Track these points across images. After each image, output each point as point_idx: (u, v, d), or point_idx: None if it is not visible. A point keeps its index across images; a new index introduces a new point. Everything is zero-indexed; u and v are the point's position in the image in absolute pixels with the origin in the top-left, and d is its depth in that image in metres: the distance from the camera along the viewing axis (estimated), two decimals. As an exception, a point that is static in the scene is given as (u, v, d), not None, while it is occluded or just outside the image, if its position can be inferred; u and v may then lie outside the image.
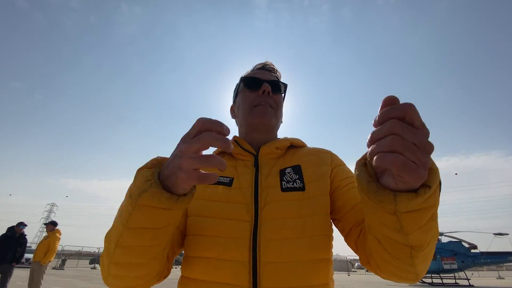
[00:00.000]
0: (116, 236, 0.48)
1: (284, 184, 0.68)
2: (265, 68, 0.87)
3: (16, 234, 5.57)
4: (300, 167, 0.72)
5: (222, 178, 0.72)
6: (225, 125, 0.41)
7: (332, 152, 0.79)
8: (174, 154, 0.42)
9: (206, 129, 0.41)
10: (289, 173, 0.71)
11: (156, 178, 0.43)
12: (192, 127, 0.42)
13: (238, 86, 0.88)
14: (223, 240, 0.61)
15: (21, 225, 5.70)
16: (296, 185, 0.68)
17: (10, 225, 5.72)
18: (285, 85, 0.86)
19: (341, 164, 0.76)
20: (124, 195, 0.48)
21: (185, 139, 0.42)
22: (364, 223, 0.61)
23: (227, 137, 0.42)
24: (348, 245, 0.68)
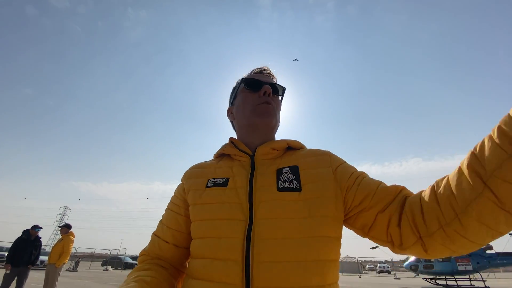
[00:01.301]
0: None
1: (281, 183, 0.67)
2: (263, 73, 0.88)
3: (31, 237, 5.71)
4: (297, 168, 0.70)
5: (218, 179, 0.73)
6: None
7: (330, 152, 0.78)
8: None
9: None
10: (286, 173, 0.69)
11: None
12: None
13: (237, 88, 0.89)
14: (217, 240, 0.62)
15: (36, 228, 5.83)
16: (292, 186, 0.66)
17: (25, 228, 5.88)
18: (283, 88, 0.87)
19: (341, 163, 0.74)
20: None
21: None
22: (395, 207, 0.61)
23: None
24: (374, 239, 0.66)
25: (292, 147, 0.80)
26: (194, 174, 0.80)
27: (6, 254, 5.57)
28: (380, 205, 0.63)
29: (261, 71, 0.88)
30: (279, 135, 0.88)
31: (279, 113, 0.85)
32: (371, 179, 0.70)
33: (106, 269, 24.59)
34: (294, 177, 0.68)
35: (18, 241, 5.57)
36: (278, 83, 0.89)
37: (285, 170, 0.70)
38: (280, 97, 0.87)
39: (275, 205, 0.63)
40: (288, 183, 0.67)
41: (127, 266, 27.53)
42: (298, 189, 0.66)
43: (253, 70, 0.89)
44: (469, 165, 0.48)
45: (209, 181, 0.74)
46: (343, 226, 0.69)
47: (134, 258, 32.03)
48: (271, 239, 0.59)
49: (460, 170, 0.51)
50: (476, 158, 0.47)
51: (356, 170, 0.73)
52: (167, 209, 0.81)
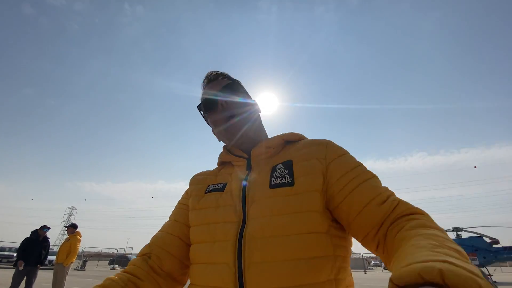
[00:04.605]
0: None
1: (273, 180, 0.65)
2: (209, 80, 0.85)
3: (40, 237, 5.79)
4: (291, 162, 0.68)
5: (217, 185, 0.74)
6: None
7: (330, 142, 0.72)
8: None
9: None
10: (279, 169, 0.67)
11: None
12: None
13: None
14: (210, 244, 0.62)
15: (45, 228, 5.91)
16: (284, 181, 0.64)
17: (33, 229, 5.95)
18: (235, 83, 0.83)
19: (338, 156, 0.67)
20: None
21: None
22: (382, 231, 0.56)
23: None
24: (368, 249, 0.63)
25: (290, 140, 0.78)
26: (197, 181, 0.82)
27: (15, 254, 5.66)
28: (369, 223, 0.58)
29: (207, 82, 0.85)
30: (281, 129, 0.86)
31: (233, 110, 0.78)
32: (365, 187, 0.61)
33: (113, 268, 24.89)
34: (287, 171, 0.66)
35: (26, 241, 5.66)
36: (228, 79, 0.84)
37: (278, 166, 0.69)
38: (236, 93, 0.81)
39: (266, 202, 0.61)
40: (281, 178, 0.65)
41: (134, 264, 27.82)
42: (291, 184, 0.63)
43: (203, 83, 0.87)
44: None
45: (208, 187, 0.75)
46: None
47: (140, 256, 32.31)
48: (261, 238, 0.57)
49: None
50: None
51: (355, 167, 0.65)
52: (174, 209, 0.82)
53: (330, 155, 0.67)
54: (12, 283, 5.26)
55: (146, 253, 0.72)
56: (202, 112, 0.85)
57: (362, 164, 0.68)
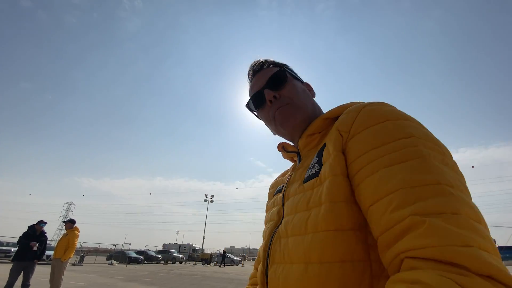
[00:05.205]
0: None
1: (306, 173, 0.57)
2: (254, 72, 0.76)
3: (36, 232, 5.77)
4: (324, 146, 0.55)
5: (280, 186, 0.76)
6: None
7: (369, 106, 0.50)
8: None
9: None
10: (314, 158, 0.59)
11: None
12: None
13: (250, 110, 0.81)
14: (262, 243, 0.68)
15: (41, 223, 5.89)
16: (313, 171, 0.55)
17: (30, 224, 5.94)
18: (282, 70, 0.72)
19: (369, 126, 0.46)
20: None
21: None
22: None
23: None
24: None
25: (337, 116, 0.60)
26: (271, 185, 0.86)
27: (12, 249, 5.66)
28: (372, 227, 0.41)
29: (252, 72, 0.76)
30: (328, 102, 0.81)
31: (298, 98, 0.69)
32: (386, 175, 0.40)
33: (111, 264, 24.90)
34: (317, 159, 0.55)
35: (24, 236, 5.64)
36: (274, 66, 0.75)
37: (315, 156, 0.59)
38: (287, 80, 0.71)
39: (296, 199, 0.56)
40: (311, 169, 0.56)
41: (132, 260, 27.87)
42: (317, 173, 0.53)
43: (248, 74, 0.79)
44: None
45: (276, 189, 0.78)
46: None
47: (138, 252, 32.40)
48: (284, 237, 0.55)
49: None
50: None
51: (391, 141, 0.42)
52: None
53: (357, 126, 0.48)
54: (9, 277, 5.24)
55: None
56: (252, 110, 0.77)
57: (413, 136, 0.42)
